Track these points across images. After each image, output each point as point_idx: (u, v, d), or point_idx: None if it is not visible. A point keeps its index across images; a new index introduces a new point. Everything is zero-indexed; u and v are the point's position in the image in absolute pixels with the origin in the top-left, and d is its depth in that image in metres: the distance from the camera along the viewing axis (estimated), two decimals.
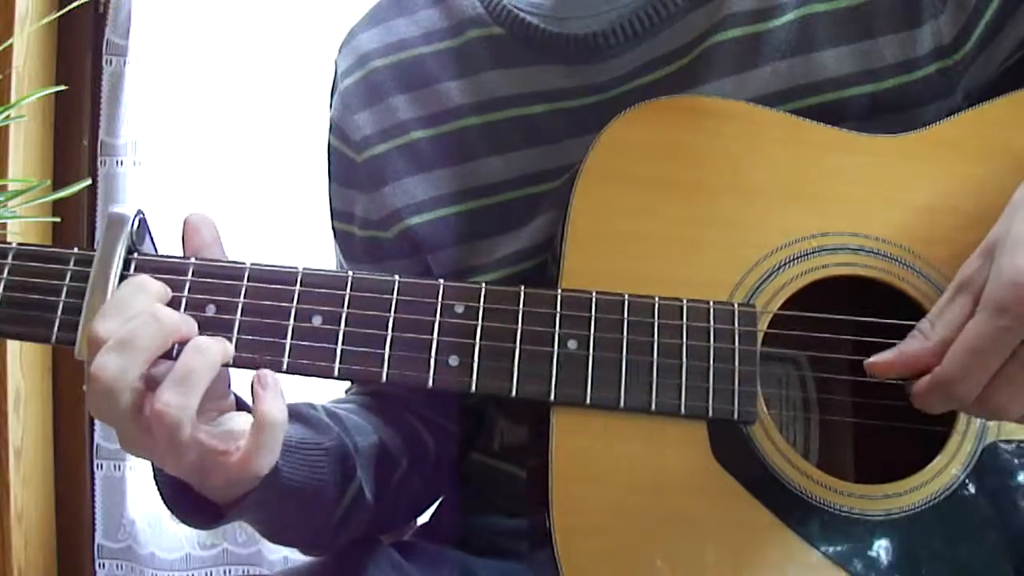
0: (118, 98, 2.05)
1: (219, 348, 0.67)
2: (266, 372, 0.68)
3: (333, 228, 1.01)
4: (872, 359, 0.69)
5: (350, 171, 0.95)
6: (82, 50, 2.08)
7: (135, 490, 2.12)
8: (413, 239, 0.91)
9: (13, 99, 1.88)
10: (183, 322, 0.68)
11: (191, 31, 2.06)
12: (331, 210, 1.00)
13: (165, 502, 0.74)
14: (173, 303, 0.70)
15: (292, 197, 2.03)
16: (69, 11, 1.72)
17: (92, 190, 2.05)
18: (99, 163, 2.08)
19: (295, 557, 2.04)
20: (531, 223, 0.86)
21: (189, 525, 0.74)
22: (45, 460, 2.12)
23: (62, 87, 1.82)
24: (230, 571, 2.12)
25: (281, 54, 2.04)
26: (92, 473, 2.13)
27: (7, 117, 1.81)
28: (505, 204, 0.88)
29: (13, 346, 1.99)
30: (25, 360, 2.03)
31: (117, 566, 2.14)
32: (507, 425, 0.96)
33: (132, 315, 0.65)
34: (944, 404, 0.66)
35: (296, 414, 0.81)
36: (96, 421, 2.12)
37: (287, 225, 2.02)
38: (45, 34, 2.05)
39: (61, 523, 2.14)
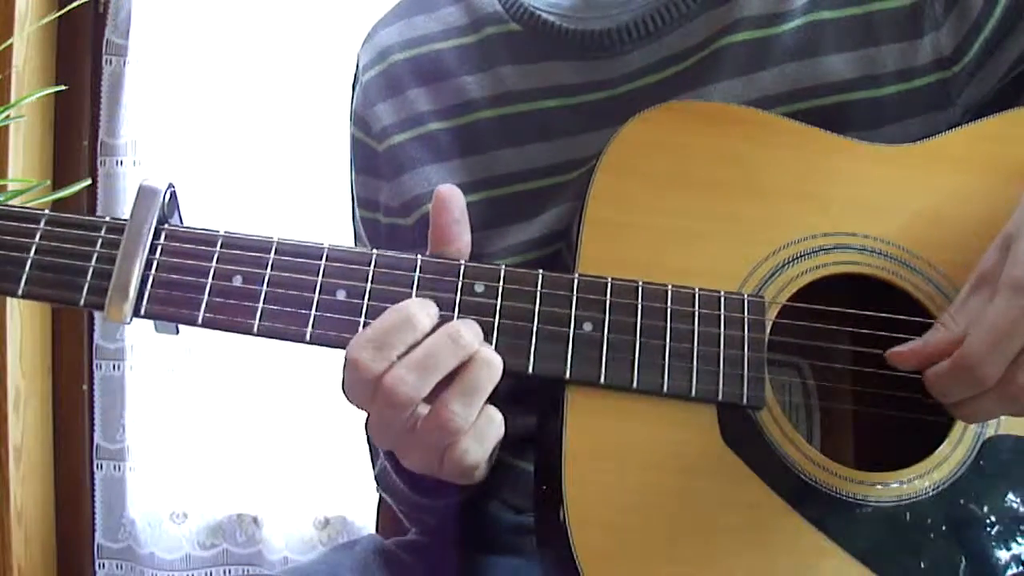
0: (118, 98, 2.06)
1: (500, 361, 0.68)
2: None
3: (360, 217, 1.02)
4: (895, 349, 0.71)
5: (372, 160, 0.97)
6: (82, 50, 2.09)
7: (135, 490, 2.12)
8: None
9: (13, 99, 1.89)
10: (476, 339, 0.69)
11: (191, 31, 2.06)
12: (357, 199, 1.02)
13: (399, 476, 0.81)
14: (200, 273, 0.71)
15: (293, 195, 2.03)
16: (69, 11, 1.72)
17: (92, 190, 2.06)
18: (99, 163, 2.08)
19: (295, 557, 2.05)
20: (542, 214, 0.88)
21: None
22: (45, 460, 2.12)
23: (62, 87, 1.83)
24: (230, 571, 2.12)
25: (280, 53, 2.04)
26: (92, 473, 2.13)
27: (7, 117, 1.82)
28: (517, 195, 0.90)
29: (13, 346, 1.99)
30: (25, 360, 2.03)
31: (117, 566, 2.14)
32: (511, 417, 0.96)
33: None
34: (965, 387, 0.67)
35: None
36: (96, 421, 2.12)
37: (288, 223, 2.02)
38: (45, 34, 2.05)
39: (61, 523, 2.14)
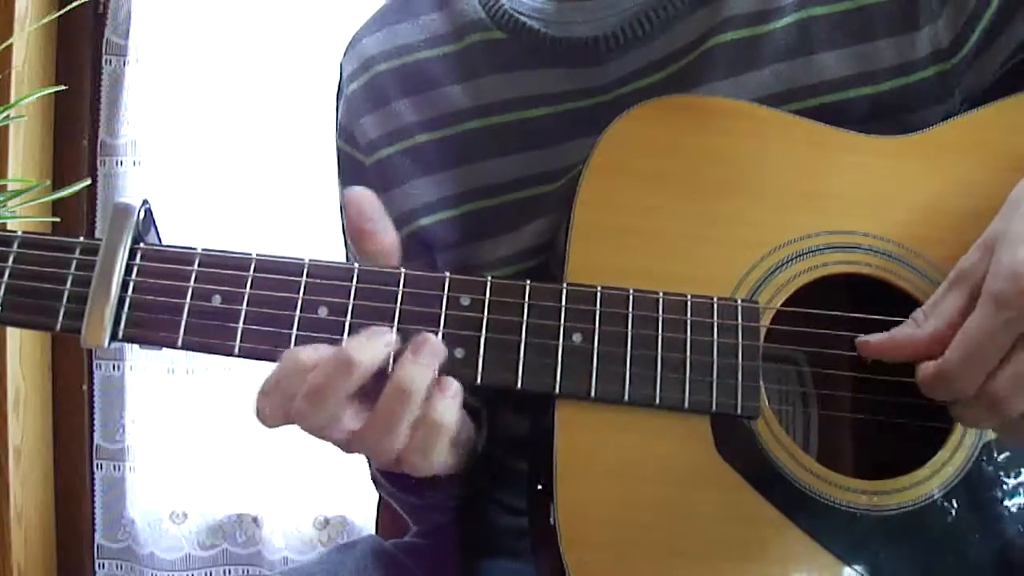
0: (118, 98, 2.06)
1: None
2: (452, 381, 0.68)
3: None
4: (863, 337, 0.71)
5: (360, 174, 0.95)
6: (82, 50, 2.09)
7: (135, 490, 2.12)
8: (423, 240, 0.92)
9: (13, 99, 1.89)
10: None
11: (191, 31, 2.06)
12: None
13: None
14: (178, 293, 0.70)
15: (292, 196, 2.03)
16: (69, 11, 1.72)
17: (92, 190, 2.06)
18: (99, 163, 2.08)
19: (295, 557, 2.05)
20: (531, 224, 0.87)
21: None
22: (45, 460, 2.12)
23: (62, 87, 1.82)
24: (230, 571, 2.13)
25: (280, 53, 2.04)
26: (92, 473, 2.13)
27: (7, 117, 1.81)
28: (506, 205, 0.88)
29: (13, 346, 1.99)
30: (25, 360, 2.03)
31: (117, 566, 2.14)
32: (511, 418, 0.96)
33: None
34: (947, 395, 0.67)
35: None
36: (96, 421, 2.13)
37: (287, 224, 2.02)
38: (45, 34, 2.06)
39: (61, 523, 2.15)
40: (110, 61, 2.06)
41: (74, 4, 1.66)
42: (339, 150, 0.99)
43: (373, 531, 1.25)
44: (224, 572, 2.13)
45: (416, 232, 0.92)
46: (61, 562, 2.15)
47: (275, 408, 0.66)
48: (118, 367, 2.11)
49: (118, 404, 2.11)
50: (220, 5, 2.07)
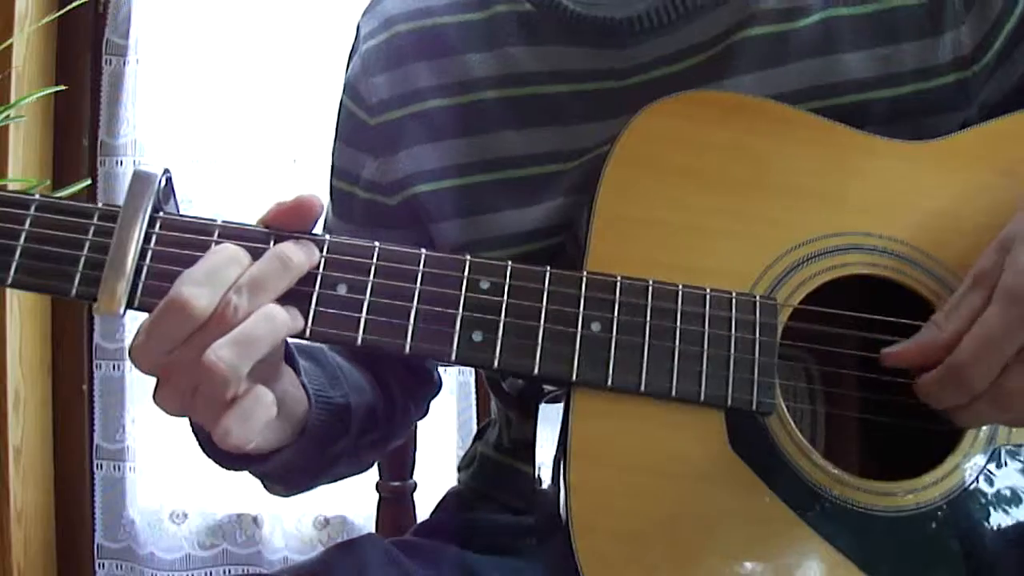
0: (118, 98, 2.06)
1: (286, 321, 0.66)
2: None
3: (334, 186, 0.99)
4: (887, 350, 0.70)
5: (361, 133, 0.94)
6: (82, 50, 2.09)
7: (135, 490, 2.12)
8: (416, 208, 0.91)
9: (13, 99, 1.88)
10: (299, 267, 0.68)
11: (191, 30, 2.07)
12: (334, 168, 0.99)
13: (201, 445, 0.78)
14: (196, 264, 0.68)
15: (294, 193, 2.03)
16: (69, 11, 1.72)
17: (92, 190, 2.05)
18: (99, 163, 2.08)
19: (295, 557, 2.05)
20: (538, 204, 0.86)
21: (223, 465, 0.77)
22: (45, 460, 2.11)
23: (62, 87, 1.83)
24: (230, 571, 2.12)
25: (281, 53, 2.05)
26: (92, 473, 2.12)
27: (7, 117, 1.81)
28: (513, 181, 0.88)
29: (13, 346, 1.98)
30: (25, 360, 2.03)
31: (117, 566, 2.13)
32: (516, 419, 0.96)
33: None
34: (955, 394, 0.67)
35: (312, 357, 0.82)
36: (96, 422, 2.12)
37: None
38: (45, 34, 2.05)
39: (61, 523, 2.14)
40: (110, 61, 2.06)
41: (74, 4, 1.66)
42: (343, 106, 0.97)
43: (373, 530, 1.25)
44: (224, 572, 2.12)
45: (411, 199, 0.91)
46: (61, 562, 2.14)
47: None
48: (118, 367, 2.11)
49: (118, 404, 2.11)
50: (220, 4, 2.07)
